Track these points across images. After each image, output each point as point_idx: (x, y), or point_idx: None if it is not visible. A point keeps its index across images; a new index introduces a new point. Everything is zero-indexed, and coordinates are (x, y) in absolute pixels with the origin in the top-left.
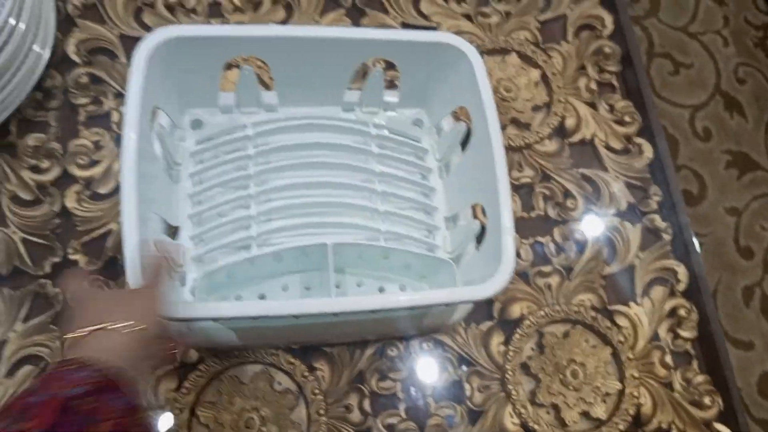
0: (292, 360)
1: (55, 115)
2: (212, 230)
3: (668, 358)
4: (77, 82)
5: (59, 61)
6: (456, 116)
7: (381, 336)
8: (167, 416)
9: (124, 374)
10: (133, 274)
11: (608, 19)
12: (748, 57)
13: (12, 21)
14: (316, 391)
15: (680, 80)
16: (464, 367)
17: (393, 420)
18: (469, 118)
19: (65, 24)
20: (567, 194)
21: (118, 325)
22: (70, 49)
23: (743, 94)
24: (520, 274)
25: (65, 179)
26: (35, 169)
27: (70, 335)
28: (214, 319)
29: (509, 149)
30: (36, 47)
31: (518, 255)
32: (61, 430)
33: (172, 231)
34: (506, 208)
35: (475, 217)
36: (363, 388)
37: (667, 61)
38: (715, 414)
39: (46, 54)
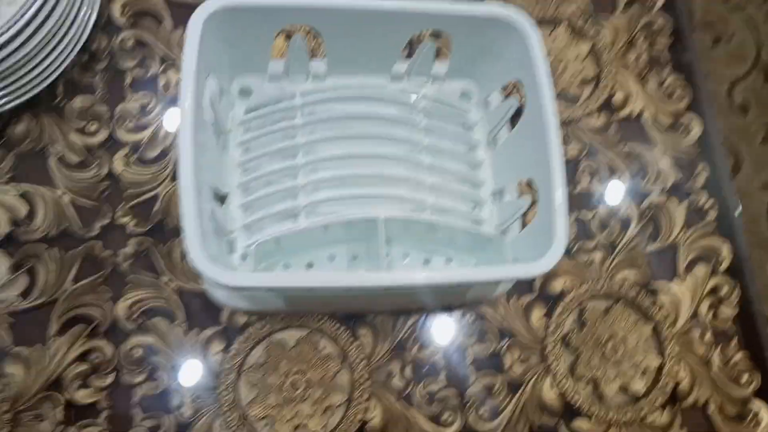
0: (337, 326)
1: (101, 78)
2: (261, 199)
3: (708, 336)
4: (123, 46)
5: (105, 24)
6: (506, 90)
7: (424, 306)
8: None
9: None
10: (191, 243)
11: None
12: None
13: None
14: (360, 357)
15: (720, 52)
16: (505, 339)
17: (434, 387)
18: (520, 93)
19: None
20: (613, 170)
21: None
22: (116, 12)
23: None
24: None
25: (113, 142)
26: (83, 132)
27: None
28: (269, 289)
29: None
30: (84, 9)
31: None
32: None
33: (222, 198)
34: (559, 186)
35: (522, 193)
36: (405, 355)
37: (707, 33)
38: (753, 391)
39: (93, 16)
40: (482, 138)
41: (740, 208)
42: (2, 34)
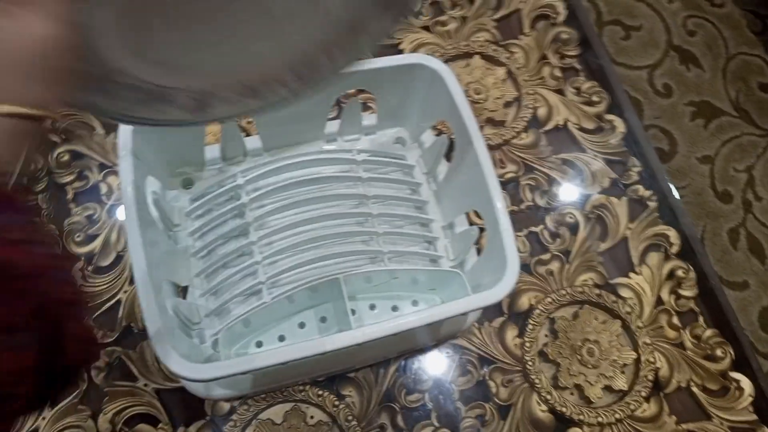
0: (320, 392)
1: (44, 198)
2: (221, 283)
3: (675, 320)
4: (59, 161)
5: (38, 144)
6: (436, 129)
7: (401, 352)
8: None
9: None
10: (159, 344)
11: (560, 6)
12: (694, 9)
13: None
14: (349, 418)
15: (633, 43)
16: (486, 366)
17: (428, 430)
18: (449, 129)
19: None
20: (552, 181)
21: None
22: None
23: (696, 45)
24: (522, 266)
25: None
26: None
27: None
28: (246, 372)
29: (489, 148)
30: None
31: (517, 248)
32: None
33: (182, 291)
34: (501, 210)
35: (471, 222)
36: (393, 405)
37: (617, 27)
38: (729, 364)
39: None
40: (423, 178)
41: (675, 192)
42: None
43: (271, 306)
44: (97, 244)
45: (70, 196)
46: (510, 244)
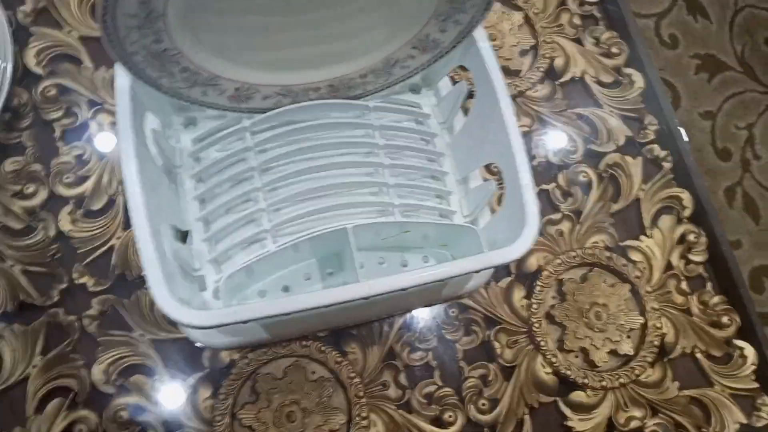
0: (323, 348)
1: (29, 136)
2: (224, 229)
3: (684, 285)
4: (45, 96)
5: (22, 76)
6: (452, 77)
7: (405, 309)
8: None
9: None
10: (158, 290)
11: None
12: None
13: None
14: (352, 375)
15: None
16: (491, 326)
17: (430, 389)
18: (468, 76)
19: (20, 34)
20: (566, 137)
21: None
22: (31, 61)
23: None
24: None
25: (54, 201)
26: (20, 195)
27: None
28: (248, 321)
29: None
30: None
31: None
32: None
33: (183, 236)
34: (523, 164)
35: (487, 178)
36: (396, 363)
37: None
38: (734, 332)
39: (9, 68)
40: (438, 128)
41: (692, 156)
42: None
43: (275, 255)
44: (87, 186)
45: (57, 133)
46: (531, 202)
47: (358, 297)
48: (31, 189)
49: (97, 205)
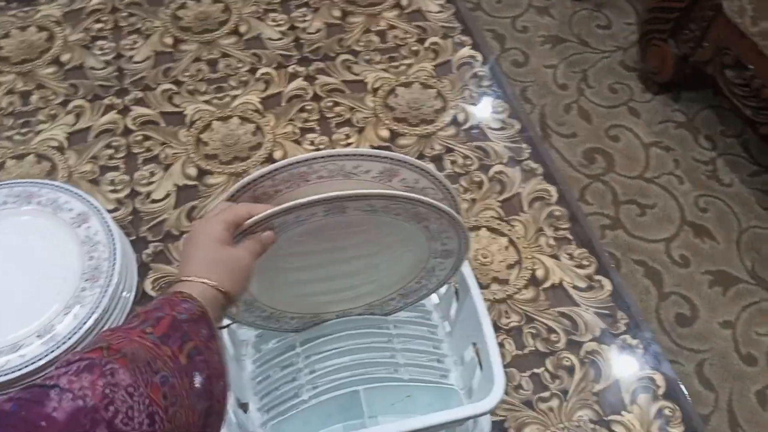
0: None
1: None
2: (273, 401)
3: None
4: None
5: (140, 299)
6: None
7: None
8: None
9: (210, 313)
10: None
11: (553, 190)
12: (704, 189)
13: (121, 290)
14: None
15: (649, 219)
16: None
17: None
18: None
19: (142, 269)
20: (550, 330)
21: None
22: (148, 287)
23: (708, 221)
24: (526, 402)
25: None
26: None
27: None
28: None
29: (495, 302)
30: (125, 294)
31: (521, 386)
32: (170, 335)
33: (243, 406)
34: (491, 340)
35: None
36: None
37: (633, 206)
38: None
39: (131, 296)
40: (438, 321)
41: (658, 345)
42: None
43: (311, 419)
44: None
45: None
46: (496, 364)
47: None
48: None
49: None
